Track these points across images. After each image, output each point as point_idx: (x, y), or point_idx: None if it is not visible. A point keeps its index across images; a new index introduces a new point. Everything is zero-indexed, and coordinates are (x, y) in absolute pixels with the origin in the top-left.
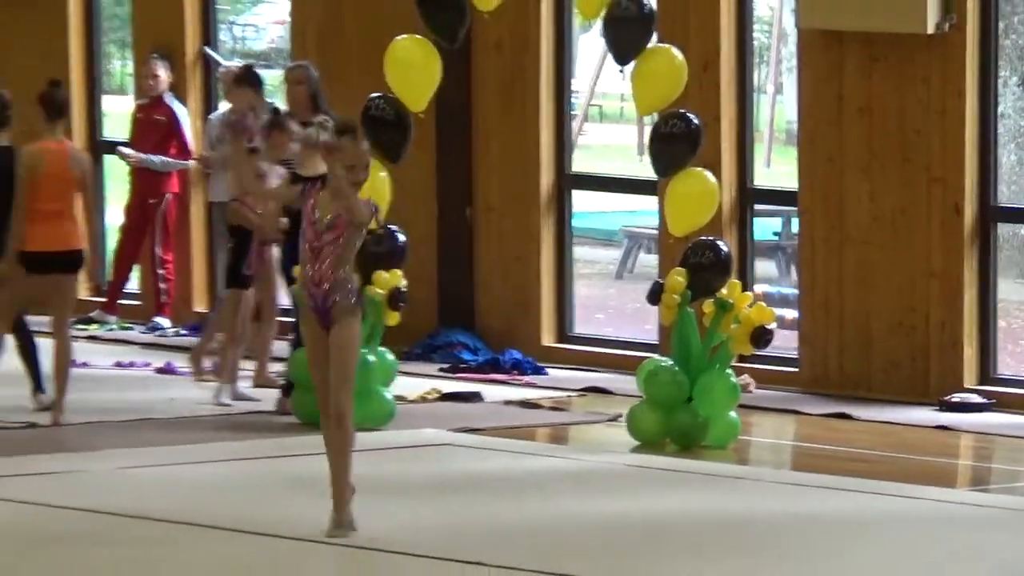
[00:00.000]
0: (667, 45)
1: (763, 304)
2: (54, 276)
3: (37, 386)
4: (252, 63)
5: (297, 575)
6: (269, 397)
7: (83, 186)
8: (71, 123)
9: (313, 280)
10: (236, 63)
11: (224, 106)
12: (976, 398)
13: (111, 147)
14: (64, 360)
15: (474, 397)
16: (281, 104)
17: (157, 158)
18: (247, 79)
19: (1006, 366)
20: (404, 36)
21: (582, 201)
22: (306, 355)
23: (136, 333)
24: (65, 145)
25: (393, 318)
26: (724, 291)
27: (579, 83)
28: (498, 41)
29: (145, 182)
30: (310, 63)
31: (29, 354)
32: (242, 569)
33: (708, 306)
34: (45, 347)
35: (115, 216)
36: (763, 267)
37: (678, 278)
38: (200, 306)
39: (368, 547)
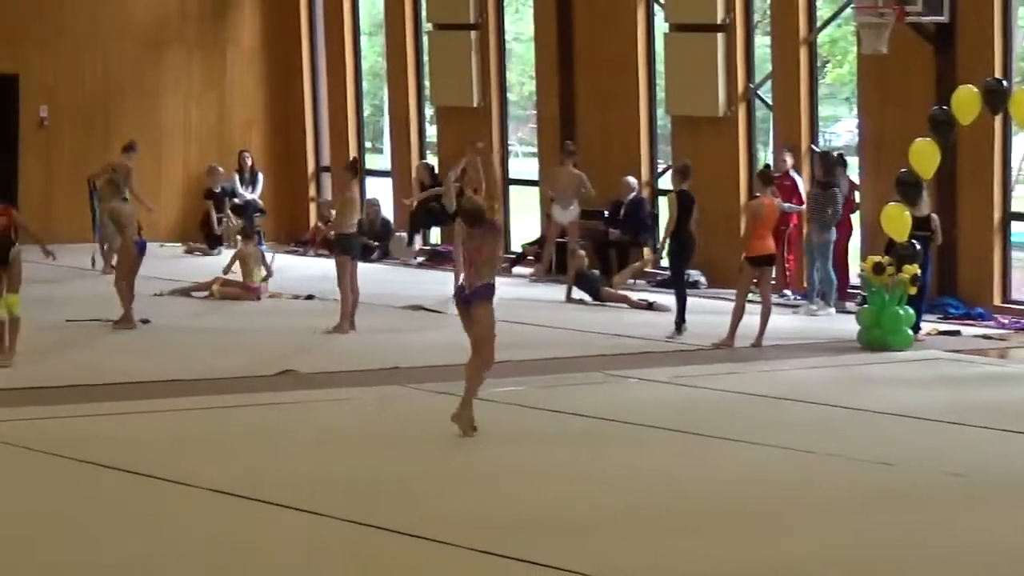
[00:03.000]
0: None
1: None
2: (765, 268)
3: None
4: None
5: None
6: None
7: (775, 221)
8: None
9: None
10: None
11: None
12: None
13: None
14: (766, 310)
15: (956, 332)
16: None
17: (787, 205)
18: (839, 161)
19: None
20: (920, 139)
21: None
22: None
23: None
24: (773, 201)
25: (912, 290)
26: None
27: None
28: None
29: (781, 217)
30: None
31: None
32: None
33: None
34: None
35: None
36: None
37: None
38: (804, 283)
39: (883, 412)
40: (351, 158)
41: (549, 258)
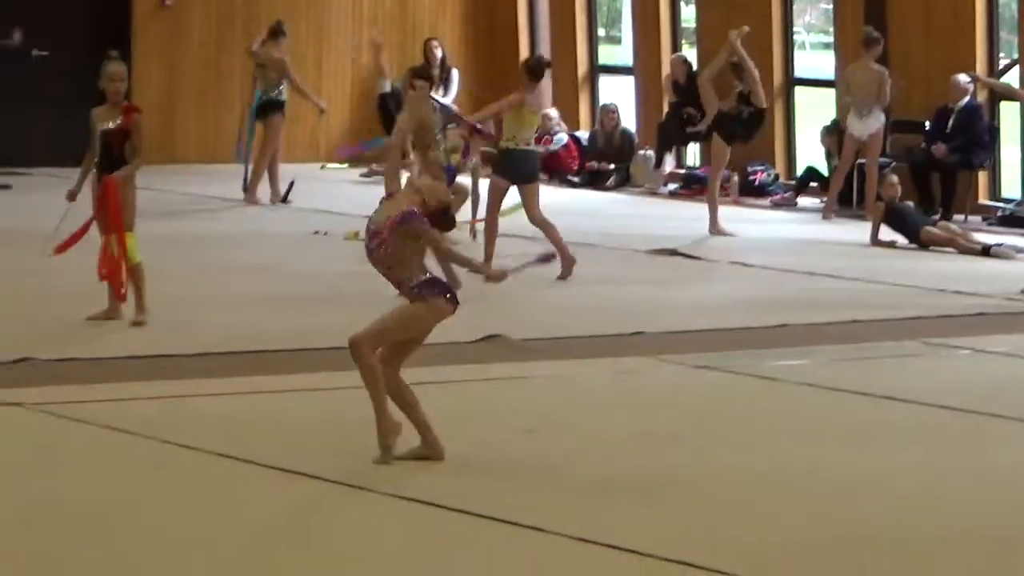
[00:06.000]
0: None
1: None
2: None
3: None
4: None
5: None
6: None
7: None
8: None
9: None
10: None
11: None
12: None
13: None
14: None
15: None
16: None
17: None
18: None
19: None
20: None
21: None
22: None
23: None
24: None
25: None
26: None
27: None
28: None
29: None
30: None
31: None
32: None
33: None
34: None
35: None
36: None
37: None
38: None
39: None
40: (536, 56)
41: (840, 185)
